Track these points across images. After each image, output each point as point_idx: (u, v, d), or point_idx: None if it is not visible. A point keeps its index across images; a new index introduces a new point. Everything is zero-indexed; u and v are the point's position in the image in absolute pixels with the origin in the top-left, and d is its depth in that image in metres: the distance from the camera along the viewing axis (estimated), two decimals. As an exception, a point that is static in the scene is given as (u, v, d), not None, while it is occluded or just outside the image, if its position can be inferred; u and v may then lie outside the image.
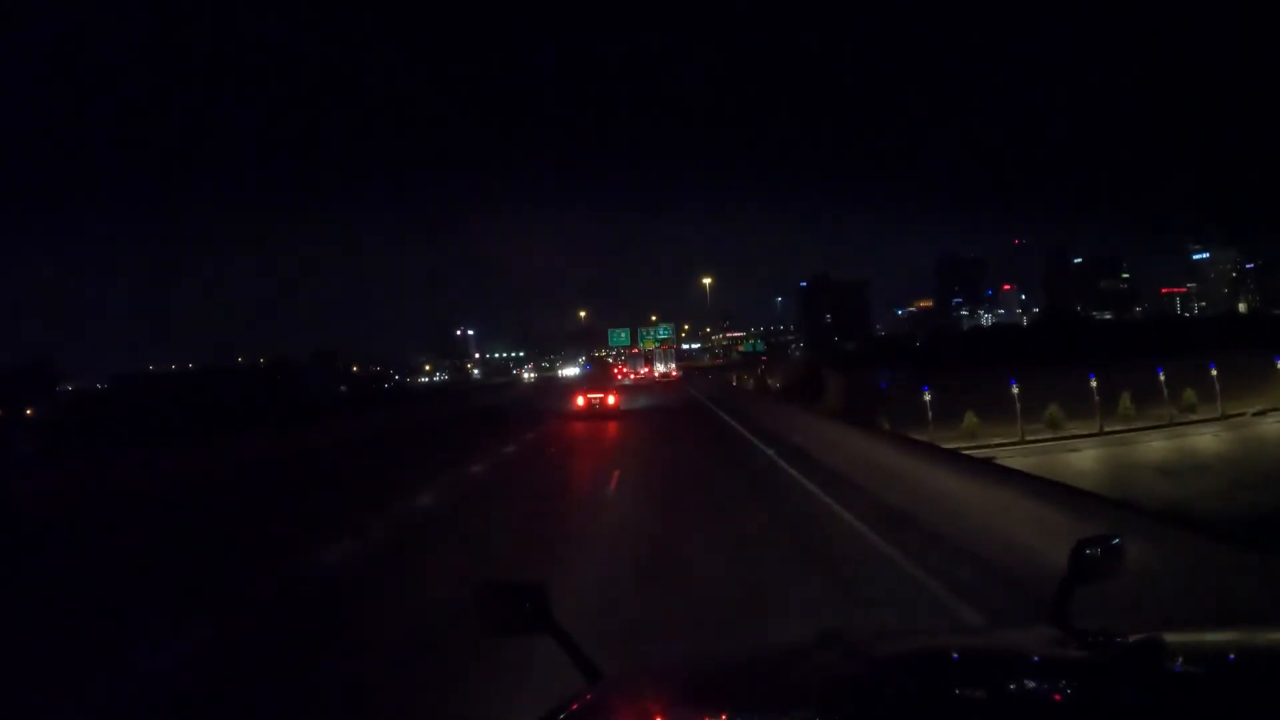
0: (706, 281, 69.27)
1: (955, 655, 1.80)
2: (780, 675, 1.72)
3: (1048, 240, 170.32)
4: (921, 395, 35.66)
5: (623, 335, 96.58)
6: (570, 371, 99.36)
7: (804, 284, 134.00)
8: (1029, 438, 34.56)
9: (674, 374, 72.68)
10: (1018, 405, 34.92)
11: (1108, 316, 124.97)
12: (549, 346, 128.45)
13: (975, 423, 35.30)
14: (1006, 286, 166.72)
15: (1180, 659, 1.47)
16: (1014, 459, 28.96)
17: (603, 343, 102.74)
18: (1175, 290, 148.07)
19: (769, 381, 75.02)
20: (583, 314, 69.13)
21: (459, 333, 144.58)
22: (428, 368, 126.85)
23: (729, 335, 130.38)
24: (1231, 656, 1.61)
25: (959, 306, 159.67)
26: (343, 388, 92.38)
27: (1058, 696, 1.43)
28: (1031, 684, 1.55)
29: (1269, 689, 1.31)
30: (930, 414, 34.13)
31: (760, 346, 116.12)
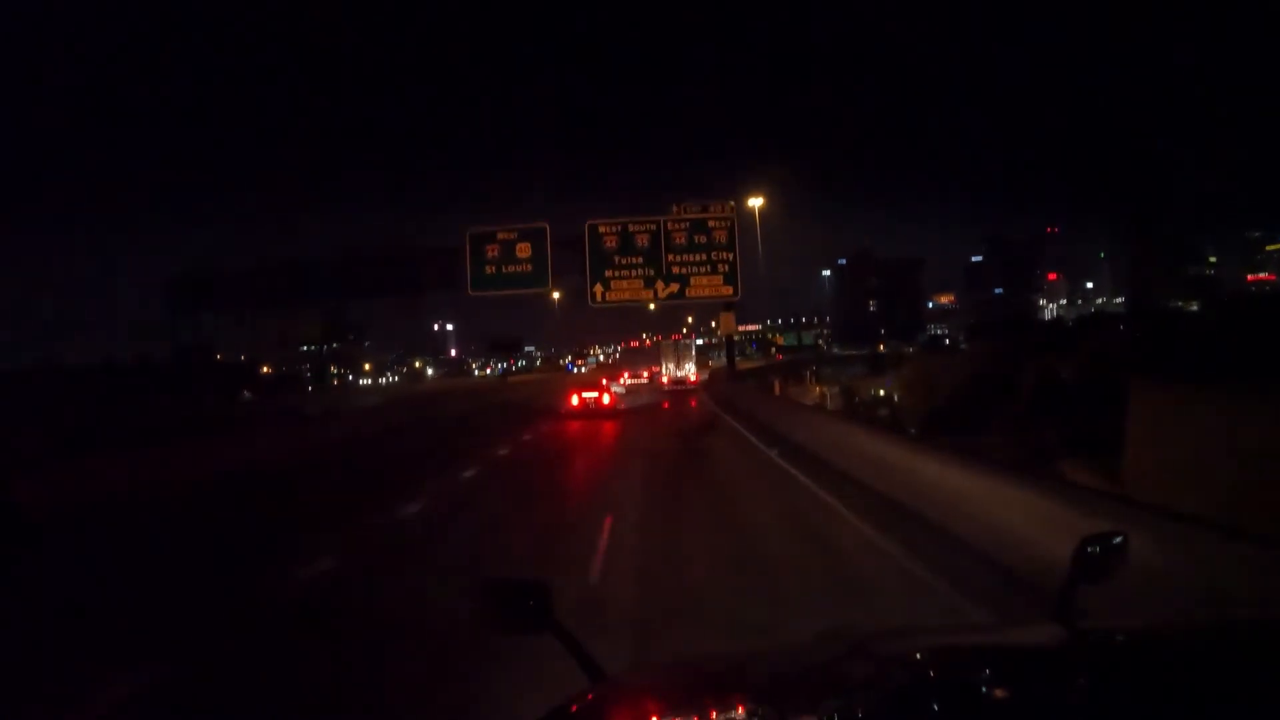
0: (756, 205, 31.74)
1: (958, 654, 1.77)
2: (782, 675, 1.69)
3: (1084, 227, 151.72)
4: None
5: (515, 264, 31.03)
6: None
7: (842, 261, 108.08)
8: None
9: (692, 380, 48.22)
10: None
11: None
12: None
13: None
14: (1052, 276, 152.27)
15: (1182, 655, 1.47)
16: None
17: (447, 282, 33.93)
18: (1263, 278, 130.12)
19: (846, 395, 51.59)
20: (556, 295, 40.73)
21: (435, 327, 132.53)
22: (367, 367, 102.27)
23: (743, 329, 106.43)
24: (1233, 651, 1.53)
25: (1000, 298, 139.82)
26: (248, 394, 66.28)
27: (1060, 695, 1.38)
28: (1034, 683, 1.49)
29: (1271, 682, 1.27)
30: None
31: (809, 339, 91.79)
